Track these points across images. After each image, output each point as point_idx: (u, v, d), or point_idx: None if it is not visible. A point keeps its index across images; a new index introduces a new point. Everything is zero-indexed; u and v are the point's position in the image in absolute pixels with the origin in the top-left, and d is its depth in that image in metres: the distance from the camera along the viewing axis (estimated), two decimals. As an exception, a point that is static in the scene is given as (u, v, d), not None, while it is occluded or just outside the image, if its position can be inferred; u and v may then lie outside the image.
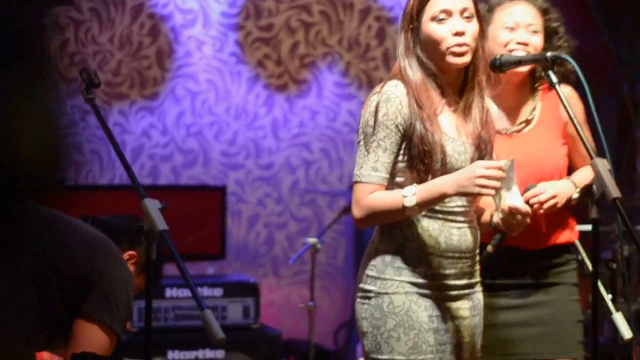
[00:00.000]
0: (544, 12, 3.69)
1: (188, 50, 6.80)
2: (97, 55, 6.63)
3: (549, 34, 3.69)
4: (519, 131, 3.67)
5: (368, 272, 3.18)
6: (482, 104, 3.24)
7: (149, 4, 6.73)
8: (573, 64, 3.31)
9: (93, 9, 6.62)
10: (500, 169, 3.02)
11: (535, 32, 3.63)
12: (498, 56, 3.40)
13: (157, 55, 6.75)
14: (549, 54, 3.26)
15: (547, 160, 3.63)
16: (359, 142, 3.17)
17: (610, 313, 3.66)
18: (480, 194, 3.03)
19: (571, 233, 3.71)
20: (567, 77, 3.63)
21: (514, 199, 3.08)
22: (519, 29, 3.61)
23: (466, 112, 3.21)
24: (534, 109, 3.69)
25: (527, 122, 3.68)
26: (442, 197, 3.07)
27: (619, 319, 3.59)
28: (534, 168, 3.57)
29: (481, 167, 3.02)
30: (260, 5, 6.93)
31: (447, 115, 3.19)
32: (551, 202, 3.49)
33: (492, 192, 3.01)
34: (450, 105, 3.21)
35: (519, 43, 3.58)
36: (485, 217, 3.29)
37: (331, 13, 7.03)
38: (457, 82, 3.22)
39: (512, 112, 3.69)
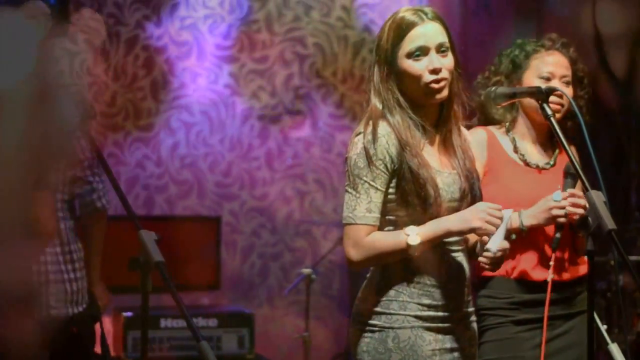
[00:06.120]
0: (574, 62, 3.79)
1: (182, 82, 6.82)
2: (92, 87, 6.64)
3: (574, 84, 3.78)
4: (546, 169, 3.76)
5: (371, 306, 3.16)
6: (459, 134, 3.26)
7: (143, 36, 6.75)
8: (568, 97, 3.35)
9: (88, 41, 6.64)
10: (500, 210, 3.05)
11: (568, 83, 3.74)
12: (493, 88, 3.43)
13: (151, 86, 6.76)
14: (543, 86, 3.29)
15: None
16: (347, 183, 3.15)
17: (607, 343, 3.68)
18: (481, 229, 3.04)
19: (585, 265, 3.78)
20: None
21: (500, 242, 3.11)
22: (554, 80, 3.72)
23: (446, 144, 3.22)
24: (556, 149, 3.81)
25: (554, 164, 3.78)
26: (446, 235, 3.09)
27: (614, 349, 3.60)
28: None
29: (485, 205, 3.07)
30: (254, 38, 6.95)
31: (429, 149, 3.19)
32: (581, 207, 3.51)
33: (493, 229, 3.03)
34: (430, 139, 3.21)
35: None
36: (471, 244, 3.28)
37: (325, 45, 7.06)
38: (433, 116, 3.22)
39: (544, 150, 3.80)
